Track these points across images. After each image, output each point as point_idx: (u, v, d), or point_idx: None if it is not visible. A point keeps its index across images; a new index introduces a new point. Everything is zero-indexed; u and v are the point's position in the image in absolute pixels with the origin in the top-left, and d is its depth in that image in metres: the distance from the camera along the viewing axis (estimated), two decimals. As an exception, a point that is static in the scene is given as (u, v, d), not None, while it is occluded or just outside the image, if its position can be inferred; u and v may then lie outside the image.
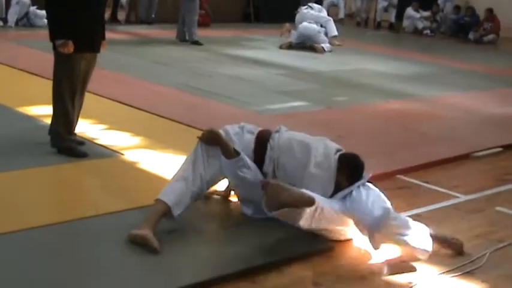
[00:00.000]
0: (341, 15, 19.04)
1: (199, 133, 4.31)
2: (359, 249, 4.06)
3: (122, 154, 5.44)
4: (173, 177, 4.15)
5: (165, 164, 5.23)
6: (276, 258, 3.82)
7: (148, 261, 3.64)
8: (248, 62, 10.90)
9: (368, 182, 4.09)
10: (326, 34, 13.27)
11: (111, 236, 3.90)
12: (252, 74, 9.76)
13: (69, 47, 5.03)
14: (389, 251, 3.99)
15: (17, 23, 12.78)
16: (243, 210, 4.39)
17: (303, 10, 13.56)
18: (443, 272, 3.86)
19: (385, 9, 19.05)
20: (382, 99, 8.72)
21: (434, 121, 7.67)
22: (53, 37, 5.09)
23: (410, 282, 3.71)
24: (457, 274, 3.85)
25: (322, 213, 3.93)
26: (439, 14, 18.75)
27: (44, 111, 6.17)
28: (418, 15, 18.40)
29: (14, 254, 3.61)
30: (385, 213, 3.87)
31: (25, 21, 12.86)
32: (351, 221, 4.00)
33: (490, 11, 17.44)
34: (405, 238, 3.92)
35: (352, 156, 4.26)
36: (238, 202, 4.49)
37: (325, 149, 4.25)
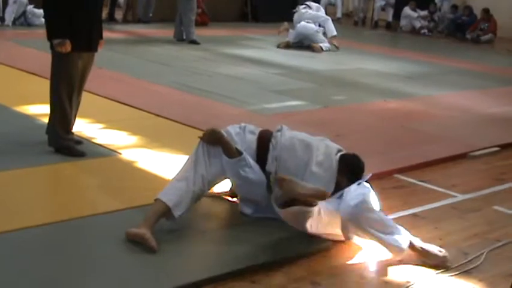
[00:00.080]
0: (338, 14, 19.08)
1: (197, 132, 4.31)
2: (357, 249, 4.06)
3: (120, 153, 5.44)
4: (174, 177, 4.15)
5: (162, 163, 5.23)
6: (274, 258, 3.82)
7: (146, 260, 3.64)
8: (246, 61, 10.89)
9: (367, 182, 4.08)
10: (324, 34, 13.27)
11: (108, 235, 3.89)
12: (249, 73, 9.75)
13: (67, 46, 5.02)
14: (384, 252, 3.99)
15: (14, 22, 12.75)
16: (242, 210, 4.39)
17: (301, 9, 13.55)
18: (441, 271, 3.86)
19: (383, 9, 19.07)
20: (379, 98, 8.73)
21: (432, 120, 7.68)
22: (50, 36, 5.08)
23: (408, 282, 3.72)
24: (454, 273, 3.85)
25: (324, 214, 3.93)
26: (437, 13, 18.77)
27: (41, 110, 6.16)
28: (415, 14, 18.42)
29: (11, 253, 3.61)
30: (359, 202, 3.83)
31: (22, 20, 12.83)
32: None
33: (485, 11, 17.46)
34: (379, 233, 3.87)
35: (353, 156, 4.26)
36: (238, 201, 4.49)
37: (326, 148, 4.25)
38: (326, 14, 14.27)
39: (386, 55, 13.24)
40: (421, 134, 6.97)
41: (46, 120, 5.44)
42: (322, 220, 3.95)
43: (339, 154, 4.24)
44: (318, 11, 13.78)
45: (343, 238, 4.07)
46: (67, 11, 5.02)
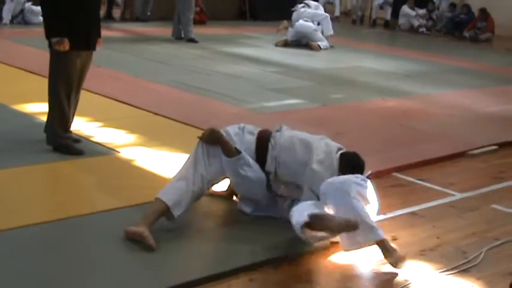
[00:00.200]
0: (337, 12, 19.07)
1: (196, 131, 4.32)
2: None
3: (118, 152, 5.43)
4: (174, 177, 4.16)
5: (161, 161, 5.23)
6: (273, 256, 3.82)
7: (145, 259, 3.65)
8: (244, 59, 10.89)
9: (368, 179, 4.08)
10: (322, 32, 13.26)
11: (107, 234, 3.90)
12: (247, 71, 9.75)
13: (65, 45, 5.02)
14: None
15: (12, 21, 12.70)
16: (241, 208, 4.40)
17: (300, 8, 13.54)
18: (439, 270, 3.86)
19: (381, 7, 19.06)
20: (377, 97, 8.73)
21: (430, 119, 7.68)
22: (48, 35, 5.08)
23: (406, 280, 3.72)
24: (452, 272, 3.85)
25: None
26: (435, 11, 18.77)
27: (39, 108, 6.16)
28: (413, 13, 18.41)
29: (9, 251, 3.61)
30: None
31: (20, 18, 12.79)
32: None
33: (482, 11, 17.46)
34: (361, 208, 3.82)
35: (353, 154, 4.26)
36: (238, 200, 4.49)
37: (326, 147, 4.25)
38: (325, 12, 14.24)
39: (385, 53, 13.23)
40: (419, 132, 6.97)
41: (44, 118, 5.44)
42: None
43: (339, 152, 4.24)
44: (317, 9, 13.76)
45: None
46: (65, 9, 5.01)
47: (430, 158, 6.06)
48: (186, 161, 4.20)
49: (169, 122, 6.48)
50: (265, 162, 4.25)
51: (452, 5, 18.67)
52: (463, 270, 3.89)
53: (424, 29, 18.22)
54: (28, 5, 12.83)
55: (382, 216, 4.44)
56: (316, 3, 14.04)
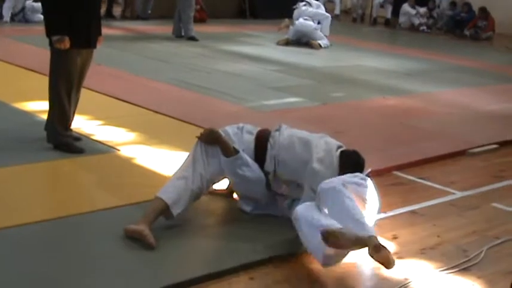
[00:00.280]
0: (337, 11, 19.07)
1: (196, 129, 4.32)
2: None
3: (118, 150, 5.43)
4: (173, 176, 4.15)
5: (161, 159, 5.23)
6: (273, 254, 3.82)
7: (145, 257, 3.65)
8: (244, 58, 10.88)
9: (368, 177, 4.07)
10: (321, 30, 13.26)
11: (107, 232, 3.89)
12: (248, 70, 9.74)
13: (66, 43, 5.02)
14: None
15: (13, 19, 12.69)
16: (241, 207, 4.40)
17: (302, 7, 13.51)
18: (440, 269, 3.86)
19: (381, 5, 19.06)
20: (378, 95, 8.72)
21: (431, 117, 7.68)
22: (49, 33, 5.07)
23: (406, 279, 3.72)
24: (453, 271, 3.85)
25: None
26: (435, 10, 18.76)
27: (40, 106, 6.16)
28: (414, 11, 18.40)
29: (9, 249, 3.61)
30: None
31: (21, 16, 12.78)
32: None
33: (482, 10, 17.45)
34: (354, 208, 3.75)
35: (353, 152, 4.25)
36: (237, 198, 4.49)
37: (326, 145, 4.24)
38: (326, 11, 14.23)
39: (385, 52, 13.23)
40: (419, 131, 6.97)
41: (45, 116, 5.44)
42: None
43: (339, 150, 4.24)
44: (318, 8, 13.74)
45: None
46: (66, 7, 5.01)
47: (430, 156, 6.05)
48: (185, 161, 4.20)
49: (170, 120, 6.48)
50: (264, 161, 4.25)
51: (453, 4, 18.66)
52: (464, 269, 3.88)
53: (424, 28, 18.21)
54: (29, 2, 12.80)
55: (382, 215, 4.44)
56: (318, 2, 14.00)
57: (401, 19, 18.61)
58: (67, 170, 4.99)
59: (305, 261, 3.82)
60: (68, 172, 4.97)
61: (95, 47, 5.33)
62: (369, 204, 3.86)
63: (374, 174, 4.40)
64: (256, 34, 14.05)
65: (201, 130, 4.33)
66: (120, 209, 4.27)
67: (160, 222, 3.95)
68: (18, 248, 3.63)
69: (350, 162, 4.14)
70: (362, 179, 3.94)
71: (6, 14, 12.59)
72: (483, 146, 6.53)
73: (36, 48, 9.12)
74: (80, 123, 5.86)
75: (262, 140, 4.30)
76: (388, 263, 3.53)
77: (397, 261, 3.88)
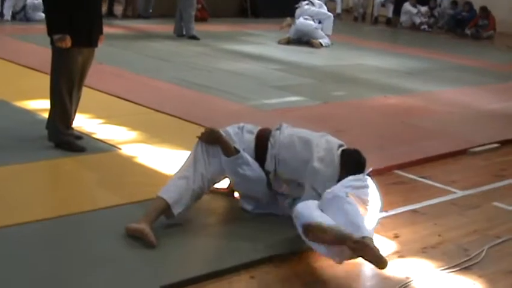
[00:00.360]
0: (338, 10, 19.05)
1: (197, 128, 4.32)
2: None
3: (120, 149, 5.44)
4: (174, 175, 4.15)
5: (162, 158, 5.23)
6: (274, 253, 3.82)
7: (146, 256, 3.65)
8: (245, 57, 10.88)
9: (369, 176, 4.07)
10: (322, 29, 13.24)
11: (108, 231, 3.90)
12: (249, 69, 9.74)
13: (67, 42, 5.02)
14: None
15: (14, 17, 12.69)
16: (243, 206, 4.40)
17: (304, 6, 13.50)
18: (441, 268, 3.86)
19: (383, 4, 19.03)
20: (379, 94, 8.72)
21: (432, 116, 7.67)
22: (50, 31, 5.08)
23: (407, 278, 3.72)
24: (454, 270, 3.85)
25: None
26: (437, 9, 18.75)
27: (41, 105, 6.16)
28: (415, 10, 18.38)
29: (11, 248, 3.61)
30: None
31: (22, 15, 12.76)
32: None
33: (483, 9, 17.44)
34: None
35: (354, 151, 4.24)
36: (239, 197, 4.49)
37: (327, 144, 4.24)
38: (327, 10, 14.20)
39: (386, 51, 13.22)
40: (421, 130, 6.97)
41: (46, 115, 5.44)
42: None
43: (341, 149, 4.23)
44: (321, 7, 13.72)
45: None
46: (67, 6, 5.01)
47: (431, 155, 6.05)
48: (186, 160, 4.20)
49: (171, 119, 6.48)
50: (265, 161, 4.25)
51: (454, 3, 18.63)
52: (465, 268, 3.88)
53: (425, 27, 18.19)
54: (30, 0, 12.76)
55: (383, 214, 4.44)
56: (320, 2, 13.99)
57: (403, 18, 18.59)
58: (68, 168, 4.99)
59: (306, 261, 3.83)
60: (69, 171, 4.97)
61: (96, 45, 5.33)
62: (370, 204, 3.86)
63: (375, 173, 4.40)
64: (257, 33, 14.04)
65: (202, 129, 4.34)
66: (121, 207, 4.27)
67: (162, 221, 3.95)
68: (19, 247, 3.63)
69: (351, 161, 4.14)
70: (362, 180, 3.94)
71: (7, 13, 12.59)
72: (484, 145, 6.53)
73: (38, 46, 9.12)
74: (81, 122, 5.86)
75: (262, 139, 4.30)
76: (377, 261, 3.50)
77: (398, 260, 3.91)
